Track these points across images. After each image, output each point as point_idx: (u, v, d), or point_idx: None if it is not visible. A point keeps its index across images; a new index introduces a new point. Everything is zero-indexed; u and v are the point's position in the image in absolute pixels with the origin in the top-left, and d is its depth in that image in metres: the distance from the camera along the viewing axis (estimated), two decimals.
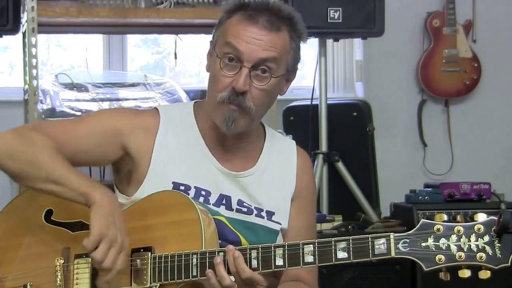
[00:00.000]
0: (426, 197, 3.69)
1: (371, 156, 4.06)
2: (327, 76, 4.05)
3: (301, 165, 2.16)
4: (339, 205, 3.91)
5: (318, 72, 3.99)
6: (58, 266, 1.97)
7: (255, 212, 2.07)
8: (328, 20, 3.75)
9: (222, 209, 2.05)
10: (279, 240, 2.09)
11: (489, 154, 4.66)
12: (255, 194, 2.08)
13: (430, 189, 3.78)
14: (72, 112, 3.65)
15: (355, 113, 4.09)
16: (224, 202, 2.05)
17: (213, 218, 1.99)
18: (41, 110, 3.59)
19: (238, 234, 2.04)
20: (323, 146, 3.92)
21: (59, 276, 1.97)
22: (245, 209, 2.06)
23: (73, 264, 1.97)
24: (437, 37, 4.54)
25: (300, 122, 4.09)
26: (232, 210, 2.06)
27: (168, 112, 2.13)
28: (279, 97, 3.59)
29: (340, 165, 3.92)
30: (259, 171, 2.11)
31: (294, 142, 2.21)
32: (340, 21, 3.75)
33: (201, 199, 2.03)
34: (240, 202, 2.07)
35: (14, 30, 3.60)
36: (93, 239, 1.83)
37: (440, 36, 4.54)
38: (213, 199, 2.04)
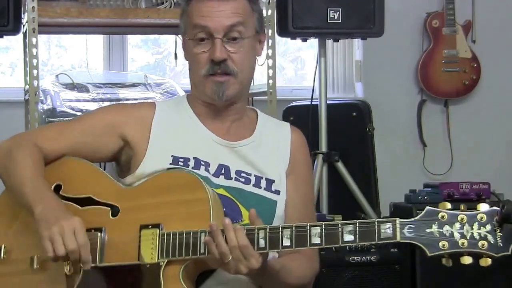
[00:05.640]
0: (425, 197, 3.69)
1: (370, 156, 4.07)
2: (327, 77, 4.06)
3: (295, 142, 2.20)
4: (339, 205, 3.92)
5: (318, 72, 4.00)
6: None
7: (253, 181, 2.10)
8: (328, 21, 3.76)
9: (221, 179, 2.08)
10: (279, 210, 2.11)
11: (489, 154, 4.66)
12: (254, 162, 2.12)
13: (429, 189, 3.79)
14: (73, 112, 3.65)
15: (354, 113, 4.10)
16: (223, 171, 2.09)
17: (214, 191, 2.01)
18: (41, 110, 3.60)
19: (237, 203, 2.06)
20: (323, 146, 3.93)
21: None
22: (243, 179, 2.09)
23: None
24: (437, 37, 4.55)
25: (300, 122, 4.05)
26: (231, 179, 2.09)
27: (163, 102, 2.28)
28: (279, 97, 3.62)
29: (340, 165, 3.93)
30: (255, 142, 2.15)
31: (288, 123, 2.27)
32: (340, 21, 3.76)
33: (202, 168, 2.07)
34: (238, 172, 2.10)
35: (14, 30, 3.60)
36: (46, 245, 1.88)
37: (440, 36, 4.54)
38: (212, 169, 2.08)
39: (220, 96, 2.08)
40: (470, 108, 4.68)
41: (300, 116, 4.12)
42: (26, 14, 3.49)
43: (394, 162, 4.52)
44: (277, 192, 2.12)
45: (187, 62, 2.16)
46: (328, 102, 3.98)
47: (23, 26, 3.60)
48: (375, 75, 4.60)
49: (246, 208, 2.05)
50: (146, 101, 2.15)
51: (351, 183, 3.93)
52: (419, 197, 3.69)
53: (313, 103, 4.01)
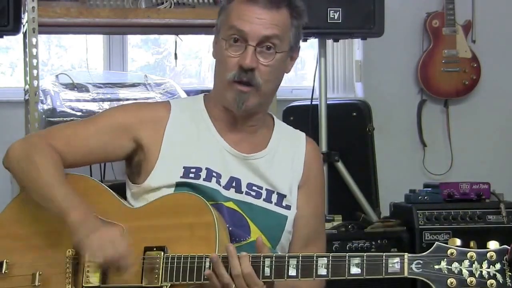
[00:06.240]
0: (425, 197, 3.69)
1: (370, 156, 4.07)
2: (327, 77, 4.06)
3: (310, 153, 2.19)
4: (339, 205, 3.91)
5: (318, 72, 3.99)
6: (68, 258, 1.98)
7: (264, 195, 2.08)
8: (328, 21, 3.75)
9: (231, 192, 2.06)
10: (289, 226, 2.10)
11: (489, 154, 4.66)
12: (267, 175, 2.10)
13: (429, 189, 3.78)
14: (73, 112, 3.65)
15: (354, 113, 4.10)
16: (234, 184, 2.07)
17: (223, 204, 2.02)
18: (41, 110, 3.60)
19: (246, 218, 2.05)
20: (323, 146, 3.93)
21: (69, 268, 1.97)
22: (253, 193, 2.08)
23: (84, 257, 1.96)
24: (437, 37, 4.55)
25: (300, 122, 4.07)
26: (241, 192, 2.07)
27: (179, 102, 2.21)
28: (279, 97, 3.61)
29: (340, 165, 3.93)
30: (269, 155, 2.13)
31: (303, 133, 2.24)
32: (340, 21, 3.76)
33: (213, 180, 2.05)
34: (249, 186, 2.08)
35: (15, 30, 3.60)
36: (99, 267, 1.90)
37: (440, 36, 4.54)
38: (223, 181, 2.07)
39: (240, 106, 2.05)
40: (470, 108, 4.67)
41: (300, 116, 4.12)
42: (26, 14, 3.49)
43: (394, 162, 4.52)
44: (288, 207, 2.11)
45: (214, 60, 2.13)
46: (328, 102, 3.98)
47: (23, 26, 3.60)
48: (375, 75, 4.60)
49: (256, 223, 2.05)
50: (160, 101, 2.10)
51: (351, 183, 3.93)
52: (419, 197, 3.70)
53: (313, 103, 4.01)
